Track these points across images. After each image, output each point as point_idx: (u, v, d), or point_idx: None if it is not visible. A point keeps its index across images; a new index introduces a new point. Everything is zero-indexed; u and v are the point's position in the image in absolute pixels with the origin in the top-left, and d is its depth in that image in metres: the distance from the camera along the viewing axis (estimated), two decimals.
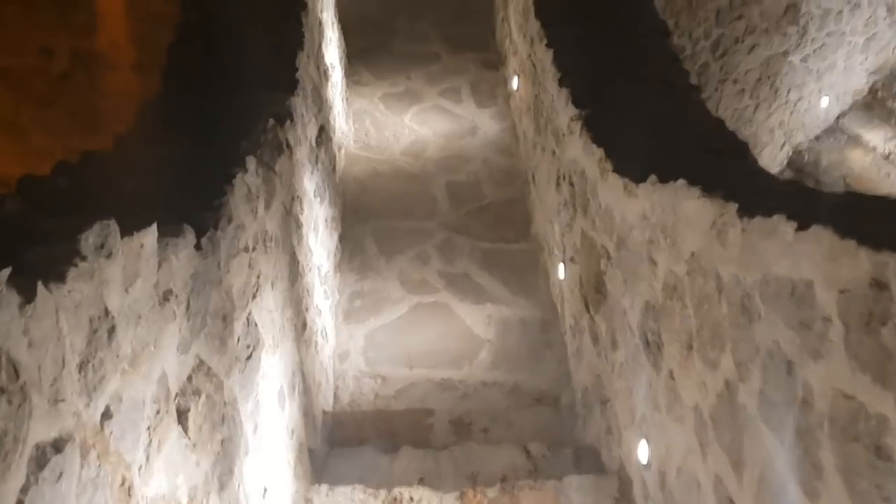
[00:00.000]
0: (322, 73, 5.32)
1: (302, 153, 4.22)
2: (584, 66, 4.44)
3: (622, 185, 3.19)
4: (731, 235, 2.18)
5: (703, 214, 2.37)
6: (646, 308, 2.98)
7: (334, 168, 5.47)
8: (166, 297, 1.88)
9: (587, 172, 3.78)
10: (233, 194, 2.54)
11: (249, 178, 2.77)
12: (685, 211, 2.53)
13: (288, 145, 3.65)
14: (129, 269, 1.66)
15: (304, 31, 4.73)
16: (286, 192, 3.57)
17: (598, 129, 3.83)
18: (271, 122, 3.45)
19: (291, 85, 4.23)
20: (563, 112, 4.26)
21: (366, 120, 6.44)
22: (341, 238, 5.28)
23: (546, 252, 5.10)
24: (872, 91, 10.44)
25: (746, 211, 2.15)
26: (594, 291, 3.72)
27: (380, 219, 5.53)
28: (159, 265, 1.84)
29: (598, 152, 3.55)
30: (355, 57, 6.92)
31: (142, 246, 1.72)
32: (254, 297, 2.74)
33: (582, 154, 3.84)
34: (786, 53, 9.19)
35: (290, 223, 3.67)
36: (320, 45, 5.33)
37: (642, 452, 3.03)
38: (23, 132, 7.12)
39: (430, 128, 6.40)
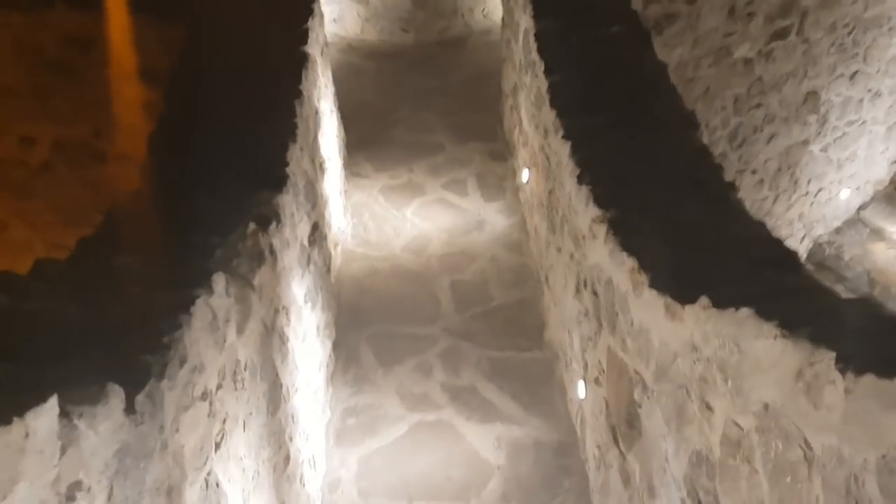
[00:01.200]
0: (317, 165, 4.89)
1: (290, 257, 3.74)
2: (606, 161, 4.00)
3: (662, 305, 2.68)
4: (829, 395, 1.67)
5: (784, 361, 1.85)
6: (696, 459, 2.44)
7: (329, 268, 4.99)
8: (72, 494, 1.36)
9: (615, 283, 3.28)
10: (190, 327, 2.04)
11: (216, 300, 2.28)
12: (755, 351, 2.02)
13: (272, 251, 3.17)
14: (3, 474, 1.15)
15: (297, 121, 4.31)
16: (267, 307, 3.07)
17: (625, 233, 3.35)
18: (252, 226, 2.98)
19: (280, 181, 3.78)
20: (584, 212, 3.79)
21: (365, 214, 6.00)
22: (335, 345, 4.76)
23: (562, 363, 4.57)
24: (894, 182, 10.06)
25: (849, 363, 1.64)
26: (626, 425, 3.17)
27: (378, 323, 5.02)
28: (62, 452, 1.33)
29: (630, 262, 3.07)
30: (355, 147, 6.54)
31: (27, 435, 1.21)
32: (216, 448, 2.21)
33: (608, 261, 3.35)
34: (806, 143, 8.85)
35: (272, 341, 3.16)
36: (316, 136, 4.92)
37: None
38: (0, 225, 6.69)
39: (433, 222, 5.95)
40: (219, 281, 2.34)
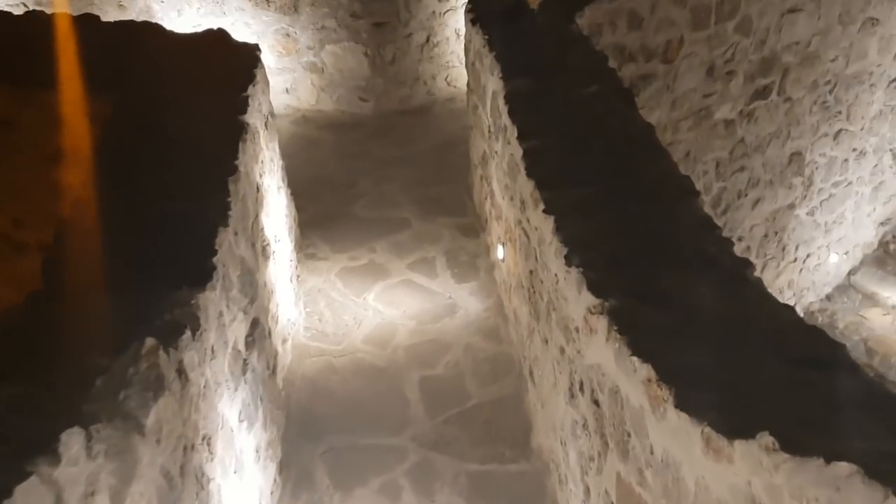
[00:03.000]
0: (259, 250, 4.21)
1: (216, 369, 3.03)
2: (598, 239, 3.37)
3: (700, 436, 2.01)
4: None
5: None
6: None
7: (274, 370, 4.27)
8: None
9: (625, 395, 2.61)
10: None
11: (64, 471, 1.56)
12: None
13: (181, 371, 2.46)
14: None
15: (230, 201, 3.65)
16: (174, 447, 2.35)
17: (633, 329, 2.70)
18: (149, 342, 2.28)
19: (204, 275, 3.10)
20: (576, 300, 3.14)
21: (320, 302, 5.30)
22: (282, 465, 4.01)
23: (555, 478, 3.86)
24: (883, 244, 9.62)
25: None
26: None
27: (335, 434, 4.28)
28: None
29: (644, 370, 2.40)
30: (309, 226, 5.87)
31: None
32: None
33: (614, 366, 2.68)
34: (792, 207, 8.38)
35: (183, 490, 2.42)
36: (257, 217, 4.25)
37: None
38: None
39: (398, 308, 5.26)
40: (72, 442, 1.63)
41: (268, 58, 7.07)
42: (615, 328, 2.69)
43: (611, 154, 4.00)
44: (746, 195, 7.88)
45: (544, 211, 3.61)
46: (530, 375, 4.36)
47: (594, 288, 3.01)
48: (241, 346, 3.63)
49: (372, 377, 4.71)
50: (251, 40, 5.18)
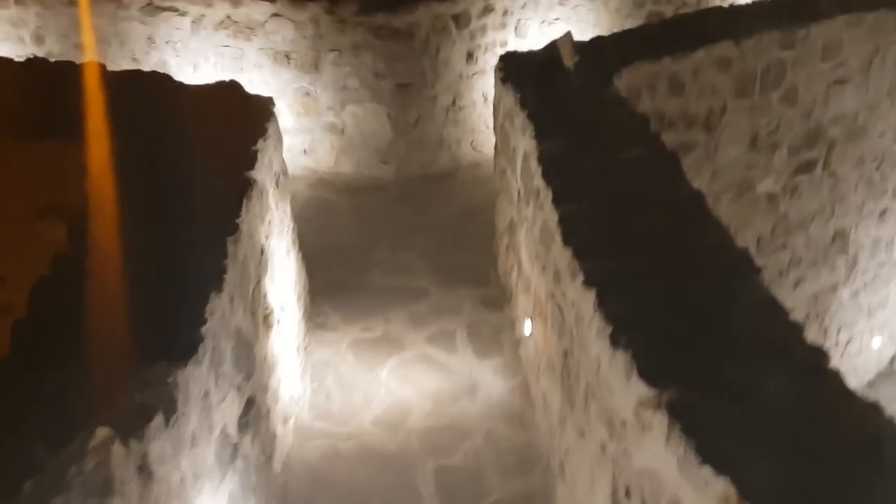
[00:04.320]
0: (260, 319, 3.77)
1: (196, 459, 2.56)
2: (647, 317, 2.91)
3: None
4: None
5: None
6: None
7: (271, 456, 3.78)
8: None
9: None
10: None
11: None
12: None
13: (143, 469, 1.99)
14: None
15: (226, 263, 3.23)
16: None
17: (699, 430, 2.22)
18: (101, 433, 1.83)
19: (188, 349, 2.66)
20: (624, 389, 2.67)
21: (328, 377, 4.83)
22: None
23: None
24: None
25: None
26: None
27: None
28: None
29: (721, 485, 1.91)
30: (321, 294, 5.45)
31: None
32: None
33: (676, 475, 2.19)
34: (835, 288, 7.87)
35: None
36: (260, 282, 3.83)
37: None
38: None
39: (413, 386, 4.78)
40: None
41: (286, 118, 6.81)
42: (678, 427, 2.21)
43: (657, 222, 3.57)
44: (788, 275, 7.40)
45: (584, 283, 3.16)
46: (560, 471, 3.84)
47: (647, 376, 2.54)
48: (232, 430, 3.16)
49: (381, 465, 4.21)
50: None
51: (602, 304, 2.99)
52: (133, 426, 2.11)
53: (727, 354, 2.73)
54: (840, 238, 7.63)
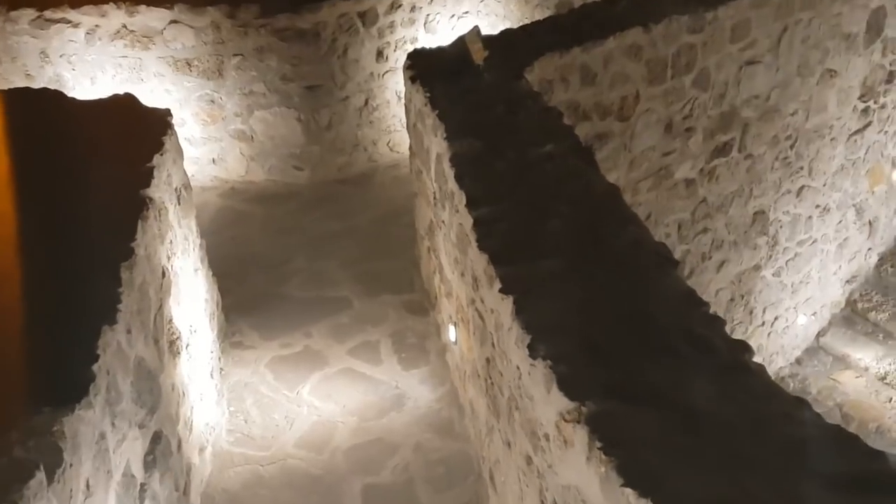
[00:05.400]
0: (165, 346, 3.55)
1: None
2: (567, 322, 2.80)
3: None
4: None
5: None
6: None
7: (187, 489, 3.56)
8: None
9: None
10: None
11: None
12: None
13: None
14: None
15: (121, 292, 3.00)
16: None
17: (621, 445, 2.11)
18: None
19: (76, 392, 2.44)
20: (544, 401, 2.55)
21: (247, 399, 4.62)
22: None
23: None
24: (850, 302, 9.24)
25: None
26: None
27: None
28: None
29: None
30: (236, 311, 5.22)
31: None
32: None
33: (600, 497, 2.08)
34: (758, 268, 7.97)
35: None
36: (162, 307, 3.60)
37: None
38: None
39: (337, 403, 4.60)
40: None
41: (192, 127, 6.54)
42: (598, 445, 2.09)
43: (573, 221, 3.47)
44: (711, 258, 7.44)
45: (501, 290, 3.04)
46: (491, 480, 3.72)
47: (567, 386, 2.43)
48: (137, 470, 2.94)
49: (306, 489, 4.03)
50: (172, 108, 4.60)
51: (520, 311, 2.87)
52: (9, 488, 1.91)
53: (649, 356, 2.63)
54: (760, 218, 7.71)
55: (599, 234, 3.36)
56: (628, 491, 1.87)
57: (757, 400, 2.43)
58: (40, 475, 2.07)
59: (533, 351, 2.67)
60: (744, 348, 2.74)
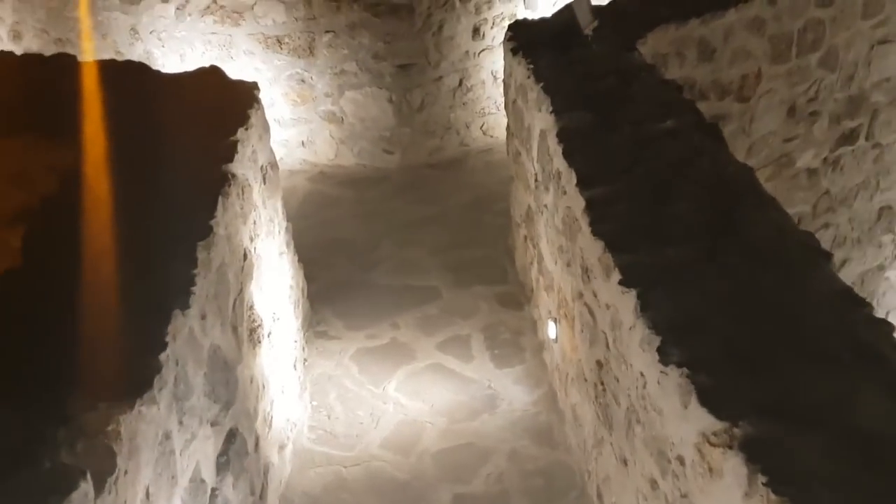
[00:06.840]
0: (244, 335, 3.26)
1: None
2: (703, 322, 2.37)
3: None
4: None
5: None
6: None
7: (264, 493, 3.28)
8: None
9: None
10: None
11: None
12: None
13: None
14: None
15: (195, 274, 2.71)
16: None
17: (788, 481, 1.68)
18: None
19: (136, 386, 2.14)
20: (680, 418, 2.13)
21: (330, 393, 4.32)
22: None
23: None
24: None
25: None
26: None
27: None
28: None
29: None
30: (321, 299, 4.94)
31: None
32: None
33: None
34: (881, 268, 7.28)
35: None
36: (243, 292, 3.31)
37: None
38: None
39: (425, 401, 4.26)
40: None
41: (282, 108, 6.31)
42: (763, 480, 1.67)
43: (702, 203, 3.02)
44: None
45: (621, 282, 2.62)
46: (599, 499, 3.31)
47: (711, 401, 2.01)
48: (208, 474, 2.65)
49: (391, 495, 3.71)
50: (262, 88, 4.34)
51: (645, 307, 2.45)
52: (45, 501, 1.61)
53: (806, 365, 2.18)
54: (886, 214, 7.05)
55: (734, 218, 2.91)
56: None
57: None
58: (85, 486, 1.77)
59: (664, 355, 2.26)
60: None
